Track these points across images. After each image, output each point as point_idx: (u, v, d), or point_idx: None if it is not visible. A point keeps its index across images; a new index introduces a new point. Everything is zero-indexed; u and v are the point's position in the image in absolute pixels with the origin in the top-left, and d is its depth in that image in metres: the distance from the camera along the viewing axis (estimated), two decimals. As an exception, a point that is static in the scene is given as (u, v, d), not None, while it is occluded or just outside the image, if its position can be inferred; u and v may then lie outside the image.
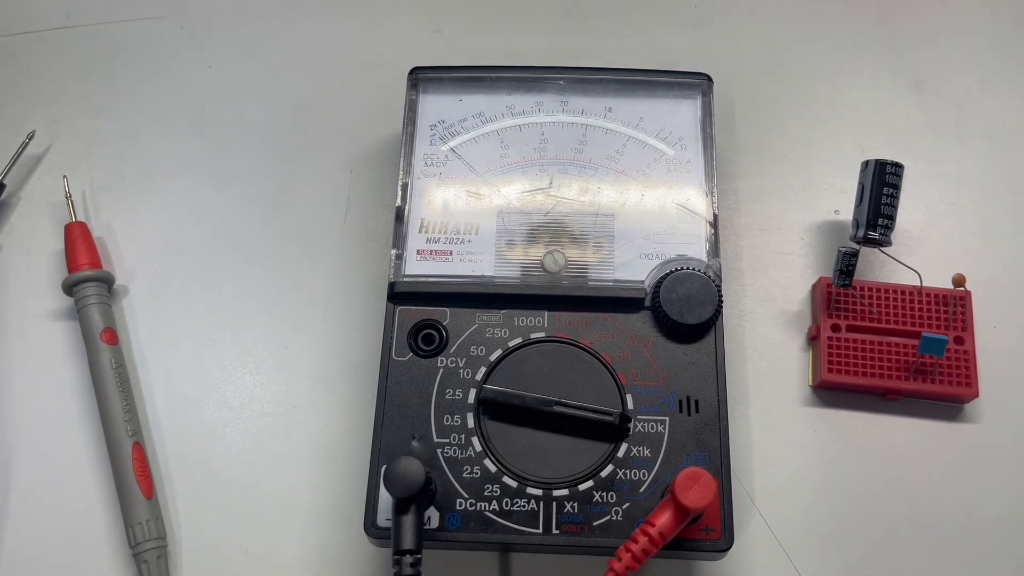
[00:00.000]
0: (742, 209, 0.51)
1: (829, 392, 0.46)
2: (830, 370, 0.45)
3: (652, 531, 0.36)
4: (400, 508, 0.37)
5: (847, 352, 0.45)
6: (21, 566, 0.43)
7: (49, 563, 0.44)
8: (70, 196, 0.49)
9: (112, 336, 0.46)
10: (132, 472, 0.43)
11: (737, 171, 0.51)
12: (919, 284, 0.46)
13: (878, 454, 0.45)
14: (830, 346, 0.45)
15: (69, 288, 0.47)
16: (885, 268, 0.48)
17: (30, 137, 0.51)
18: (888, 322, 0.46)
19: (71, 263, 0.48)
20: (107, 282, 0.48)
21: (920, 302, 0.46)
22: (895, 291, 0.46)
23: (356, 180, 0.52)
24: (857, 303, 0.46)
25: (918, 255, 0.49)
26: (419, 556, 0.36)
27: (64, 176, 0.50)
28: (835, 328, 0.46)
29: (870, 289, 0.46)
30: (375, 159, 0.52)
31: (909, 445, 0.45)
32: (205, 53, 0.55)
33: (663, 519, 0.36)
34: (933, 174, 0.51)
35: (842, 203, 0.51)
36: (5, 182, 0.50)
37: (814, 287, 0.48)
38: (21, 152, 0.51)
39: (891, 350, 0.45)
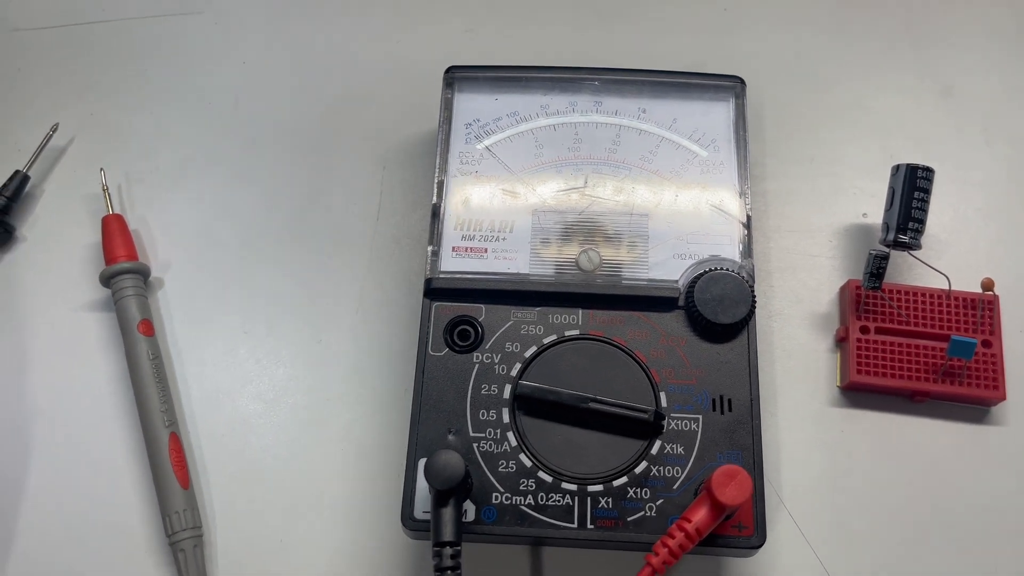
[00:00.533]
0: (771, 211, 0.51)
1: (856, 393, 0.47)
2: (859, 371, 0.46)
3: (688, 527, 0.37)
4: (439, 501, 0.37)
5: (876, 354, 0.46)
6: (59, 556, 0.44)
7: (87, 552, 0.44)
8: (107, 189, 0.50)
9: (149, 327, 0.47)
10: (169, 462, 0.44)
11: (765, 173, 0.52)
12: (947, 288, 0.47)
13: (905, 455, 0.46)
14: (859, 347, 0.46)
15: (107, 280, 0.48)
16: (912, 271, 0.49)
17: (53, 130, 0.51)
18: (916, 325, 0.46)
19: (108, 255, 0.48)
20: (144, 274, 0.48)
21: (948, 305, 0.47)
22: (923, 294, 0.47)
23: (388, 177, 0.52)
24: (886, 306, 0.47)
25: (945, 259, 0.49)
26: (459, 548, 0.37)
27: (101, 169, 0.50)
28: (864, 330, 0.46)
29: (899, 292, 0.47)
30: (408, 156, 0.53)
31: (936, 447, 0.46)
32: (239, 48, 0.56)
33: (699, 515, 0.37)
34: (960, 179, 0.52)
35: (870, 206, 0.51)
36: (30, 174, 0.51)
37: (842, 289, 0.49)
38: (45, 144, 0.51)
39: (919, 352, 0.46)
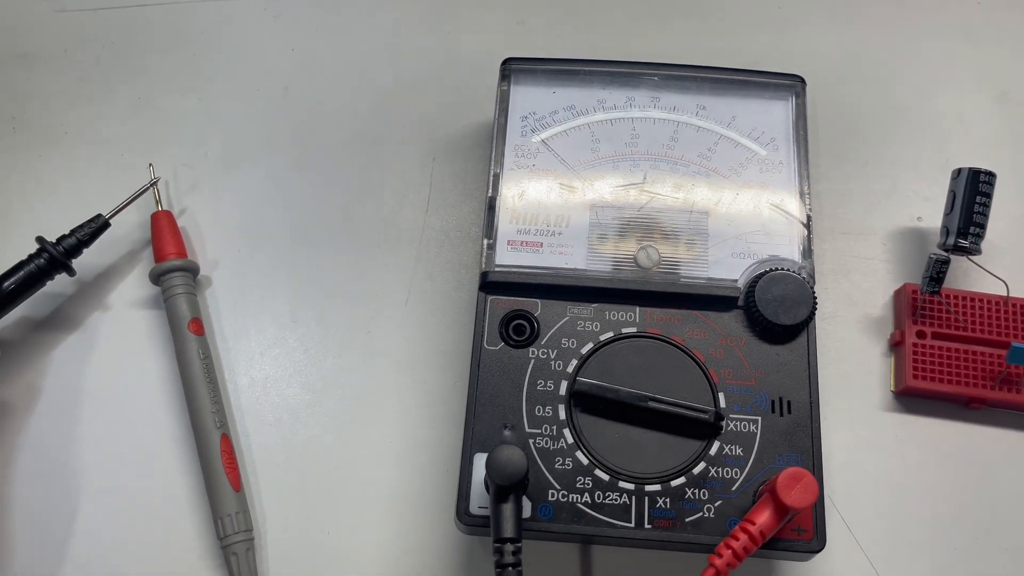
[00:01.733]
0: (824, 212, 0.51)
1: (911, 398, 0.46)
2: (915, 376, 0.45)
3: (752, 529, 0.36)
4: (500, 496, 0.37)
5: (932, 359, 0.45)
6: (112, 559, 0.44)
7: (139, 555, 0.44)
8: (156, 185, 0.49)
9: (199, 326, 0.46)
10: (221, 464, 0.43)
11: (819, 174, 0.51)
12: (1006, 294, 0.46)
13: (960, 462, 0.45)
14: (915, 352, 0.45)
15: (156, 277, 0.47)
16: (968, 276, 0.48)
17: (152, 182, 0.49)
18: (974, 331, 0.46)
19: (158, 252, 0.47)
20: (193, 271, 0.48)
21: (1006, 312, 0.46)
22: (981, 300, 0.46)
23: (439, 168, 0.52)
24: (943, 310, 0.46)
25: (1003, 265, 0.48)
26: (519, 545, 0.36)
27: (150, 164, 0.50)
28: (920, 335, 0.46)
29: (956, 297, 0.46)
30: (458, 148, 0.52)
31: (992, 454, 0.45)
32: (289, 35, 0.55)
33: (763, 518, 0.37)
34: (1017, 184, 0.51)
35: (925, 210, 0.51)
36: (111, 222, 0.48)
37: (898, 293, 0.48)
38: (138, 196, 0.48)
39: (976, 359, 0.45)
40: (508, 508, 0.37)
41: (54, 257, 0.46)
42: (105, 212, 0.47)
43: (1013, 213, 0.50)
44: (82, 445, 0.45)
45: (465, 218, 0.50)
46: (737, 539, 0.36)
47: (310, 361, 0.47)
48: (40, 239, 0.46)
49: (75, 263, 0.47)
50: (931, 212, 0.50)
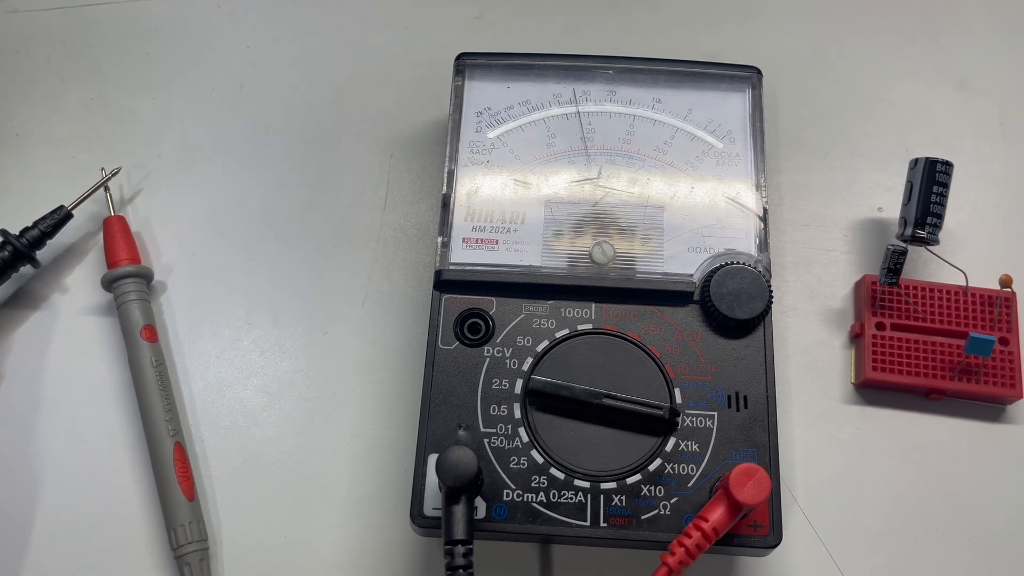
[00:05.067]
0: (784, 204, 0.50)
1: (871, 390, 0.46)
2: (874, 368, 0.45)
3: (705, 526, 0.36)
4: (451, 498, 0.37)
5: (891, 350, 0.45)
6: (64, 569, 0.43)
7: (90, 566, 0.43)
8: (108, 189, 0.48)
9: (152, 333, 0.45)
10: (174, 473, 0.43)
11: (779, 166, 0.51)
12: (964, 284, 0.46)
13: (920, 453, 0.45)
14: (875, 344, 0.45)
15: (109, 284, 0.46)
16: (928, 267, 0.48)
17: (113, 173, 0.49)
18: (933, 321, 0.46)
19: (110, 258, 0.47)
20: (146, 277, 0.47)
21: (965, 302, 0.46)
22: (940, 290, 0.46)
23: (396, 166, 0.51)
24: (902, 301, 0.46)
25: (962, 255, 0.48)
26: (471, 547, 0.36)
27: (102, 168, 0.49)
28: (880, 326, 0.46)
29: (915, 288, 0.46)
30: (415, 145, 0.52)
31: (952, 445, 0.45)
32: (244, 32, 0.55)
33: (716, 514, 0.36)
34: (977, 173, 0.51)
35: (885, 200, 0.50)
36: (74, 213, 0.48)
37: (858, 284, 0.48)
38: (99, 187, 0.48)
39: (935, 349, 0.45)
40: (459, 509, 0.36)
41: (18, 249, 0.45)
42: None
43: (974, 202, 0.50)
44: (34, 454, 0.45)
45: (423, 216, 0.50)
46: (690, 537, 0.36)
47: (266, 363, 0.47)
48: (3, 231, 0.46)
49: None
50: (892, 202, 0.50)
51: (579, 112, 0.46)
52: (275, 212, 0.50)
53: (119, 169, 0.49)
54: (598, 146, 0.46)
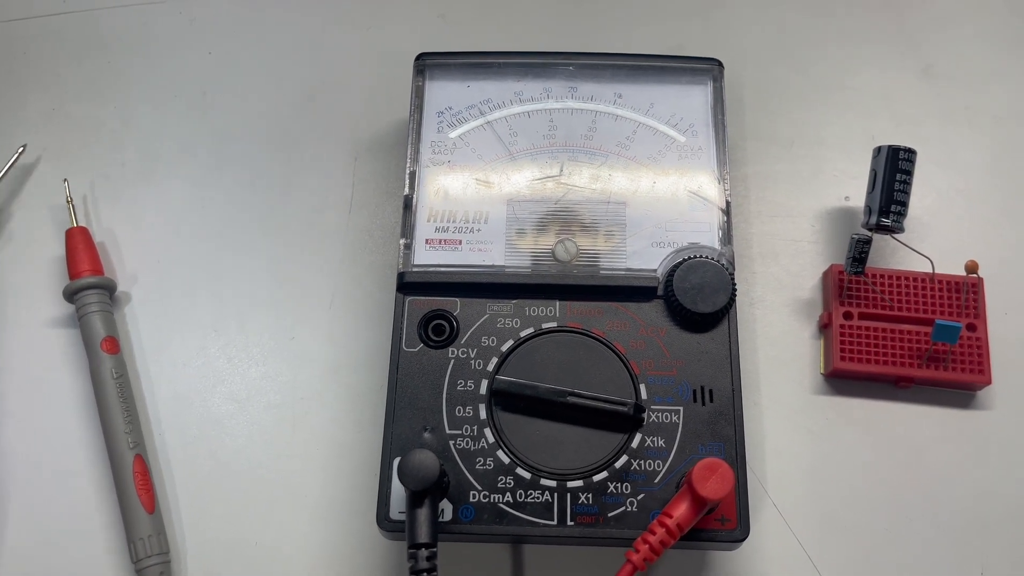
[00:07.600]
0: (751, 196, 0.50)
1: (841, 380, 0.46)
2: (842, 358, 0.45)
3: (669, 522, 0.36)
4: (414, 501, 0.36)
5: (859, 340, 0.45)
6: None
7: (49, 579, 0.43)
8: (71, 200, 0.48)
9: (113, 345, 0.45)
10: (134, 486, 0.42)
11: (746, 157, 0.51)
12: (931, 271, 0.46)
13: (891, 442, 0.45)
14: (842, 334, 0.45)
15: (71, 295, 0.46)
16: (896, 255, 0.48)
17: (23, 148, 0.49)
18: (900, 309, 0.46)
19: (72, 269, 0.46)
20: (109, 289, 0.47)
21: (932, 289, 0.46)
22: (907, 278, 0.46)
23: (360, 168, 0.51)
24: (869, 290, 0.46)
25: (929, 242, 0.48)
26: (435, 550, 0.36)
27: (65, 180, 0.49)
28: (847, 316, 0.46)
29: (882, 276, 0.46)
30: (380, 146, 0.51)
31: (922, 432, 0.45)
32: (205, 38, 0.54)
33: (680, 510, 0.36)
34: (943, 160, 0.51)
35: (852, 189, 0.50)
36: None
37: (825, 274, 0.48)
38: (12, 164, 0.49)
39: (903, 337, 0.45)
40: (423, 513, 0.36)
41: None
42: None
43: (939, 189, 0.50)
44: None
45: (388, 218, 0.50)
46: (654, 533, 0.36)
47: (234, 370, 0.47)
48: None
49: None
50: (859, 191, 0.50)
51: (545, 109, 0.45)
52: (240, 218, 0.50)
53: (25, 147, 0.49)
54: (561, 143, 0.46)
